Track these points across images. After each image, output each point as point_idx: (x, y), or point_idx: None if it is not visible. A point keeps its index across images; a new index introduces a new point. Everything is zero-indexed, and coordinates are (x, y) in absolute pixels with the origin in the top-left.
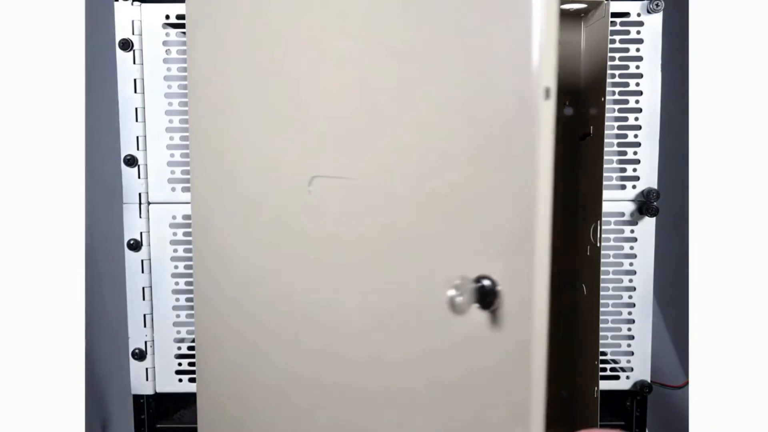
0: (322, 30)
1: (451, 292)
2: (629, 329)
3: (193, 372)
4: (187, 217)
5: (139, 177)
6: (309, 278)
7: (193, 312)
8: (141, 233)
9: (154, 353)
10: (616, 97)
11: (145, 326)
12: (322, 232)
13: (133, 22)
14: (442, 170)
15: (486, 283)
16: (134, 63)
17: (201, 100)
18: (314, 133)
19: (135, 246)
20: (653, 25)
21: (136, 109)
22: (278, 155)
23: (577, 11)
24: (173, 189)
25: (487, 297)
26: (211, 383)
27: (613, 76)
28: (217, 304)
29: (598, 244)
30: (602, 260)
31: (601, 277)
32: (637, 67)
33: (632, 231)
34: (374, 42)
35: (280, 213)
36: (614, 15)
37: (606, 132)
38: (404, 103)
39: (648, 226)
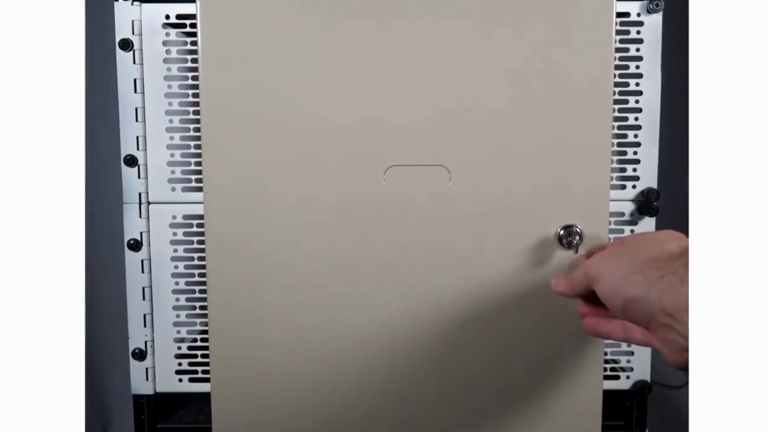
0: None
1: (569, 237)
2: None
3: (193, 372)
4: (187, 217)
5: (139, 177)
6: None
7: (192, 312)
8: (141, 233)
9: (154, 353)
10: (616, 97)
11: (145, 326)
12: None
13: (133, 22)
14: (541, 156)
15: (572, 228)
16: (134, 63)
17: (215, 91)
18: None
19: (135, 246)
20: (653, 25)
21: (136, 109)
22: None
23: None
24: (173, 189)
25: (575, 238)
26: (226, 375)
27: (613, 75)
28: (232, 291)
29: None
30: None
31: None
32: (637, 67)
33: (632, 231)
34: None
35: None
36: None
37: None
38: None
39: (648, 226)
